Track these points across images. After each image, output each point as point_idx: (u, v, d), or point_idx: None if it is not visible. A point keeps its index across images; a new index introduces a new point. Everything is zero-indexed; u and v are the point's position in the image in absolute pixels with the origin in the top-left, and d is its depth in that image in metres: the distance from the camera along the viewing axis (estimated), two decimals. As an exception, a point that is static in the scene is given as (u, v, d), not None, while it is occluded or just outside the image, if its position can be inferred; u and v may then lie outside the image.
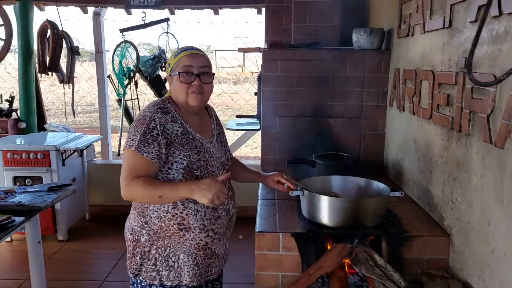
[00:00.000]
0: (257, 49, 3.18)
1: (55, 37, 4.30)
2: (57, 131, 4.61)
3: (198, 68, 1.66)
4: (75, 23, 5.26)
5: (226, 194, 1.60)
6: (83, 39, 4.64)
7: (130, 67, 4.52)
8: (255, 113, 6.07)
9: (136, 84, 4.63)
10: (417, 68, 2.10)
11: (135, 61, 4.52)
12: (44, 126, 4.74)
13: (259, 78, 2.91)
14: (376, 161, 2.70)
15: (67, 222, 4.02)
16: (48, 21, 4.34)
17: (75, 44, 4.56)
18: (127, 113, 4.78)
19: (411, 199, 2.14)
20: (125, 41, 4.51)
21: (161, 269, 1.67)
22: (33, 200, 2.43)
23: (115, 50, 4.58)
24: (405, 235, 1.74)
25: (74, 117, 4.79)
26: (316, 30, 3.14)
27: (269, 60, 2.66)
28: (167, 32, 4.62)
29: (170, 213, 1.65)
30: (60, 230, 3.96)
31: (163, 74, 4.75)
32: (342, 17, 3.13)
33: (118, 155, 4.62)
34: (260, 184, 2.38)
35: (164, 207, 1.66)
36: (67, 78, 4.50)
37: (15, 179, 3.83)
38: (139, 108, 4.76)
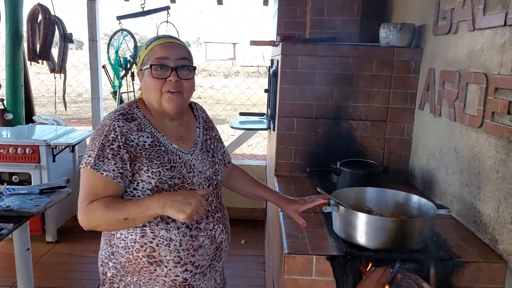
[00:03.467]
0: (271, 43, 2.93)
1: (47, 22, 3.99)
2: (47, 123, 4.31)
3: (175, 61, 1.37)
4: (67, 9, 4.95)
5: (205, 208, 1.33)
6: (72, 26, 4.32)
7: (126, 58, 4.23)
8: (257, 110, 5.82)
9: (132, 75, 4.34)
10: (462, 69, 1.89)
11: (132, 51, 4.23)
12: (33, 118, 4.43)
13: (275, 74, 2.67)
14: (401, 169, 2.48)
15: (56, 222, 3.76)
16: (39, 4, 4.02)
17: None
18: (123, 107, 4.49)
19: (450, 214, 1.93)
20: (122, 30, 4.22)
21: None
22: (23, 204, 2.17)
23: (111, 39, 4.28)
24: (457, 261, 1.52)
25: (66, 109, 4.49)
26: (334, 24, 2.92)
27: (288, 55, 2.42)
28: (167, 21, 4.34)
29: (138, 242, 1.38)
30: (49, 231, 3.71)
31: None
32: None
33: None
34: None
35: (131, 235, 1.37)
36: (59, 67, 4.19)
37: (0, 175, 3.54)
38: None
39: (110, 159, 1.31)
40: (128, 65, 4.22)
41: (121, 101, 4.42)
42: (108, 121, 1.37)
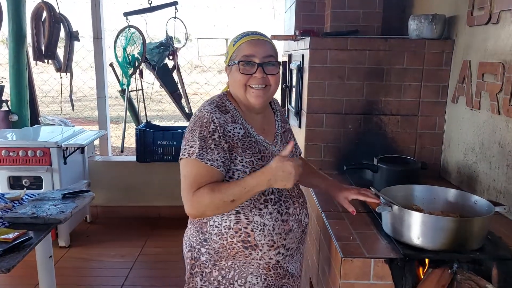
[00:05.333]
0: (293, 37, 2.84)
1: (52, 20, 3.87)
2: (54, 124, 4.20)
3: (261, 58, 1.44)
4: (69, 6, 4.81)
5: (291, 194, 1.48)
6: (75, 23, 4.21)
7: (135, 55, 4.13)
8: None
9: (141, 73, 4.24)
10: (506, 61, 1.83)
11: (140, 48, 4.13)
12: (39, 119, 4.31)
13: (299, 69, 2.59)
14: (433, 164, 2.43)
15: (69, 226, 3.66)
16: (43, 2, 3.90)
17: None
18: (131, 105, 4.39)
19: (496, 211, 1.87)
20: (130, 26, 4.11)
21: None
22: (48, 210, 2.07)
23: (117, 36, 4.17)
24: (520, 260, 1.47)
25: (73, 110, 4.37)
26: (355, 17, 2.84)
27: (317, 49, 2.34)
28: (175, 17, 4.24)
29: (232, 229, 1.43)
30: (62, 236, 3.61)
31: (170, 63, 4.37)
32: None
33: (122, 151, 4.24)
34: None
35: (225, 222, 1.43)
36: (65, 66, 4.07)
37: (10, 179, 3.43)
38: (144, 100, 4.38)
39: (213, 149, 1.36)
40: (137, 63, 4.12)
41: (129, 100, 4.32)
42: (205, 113, 1.42)
